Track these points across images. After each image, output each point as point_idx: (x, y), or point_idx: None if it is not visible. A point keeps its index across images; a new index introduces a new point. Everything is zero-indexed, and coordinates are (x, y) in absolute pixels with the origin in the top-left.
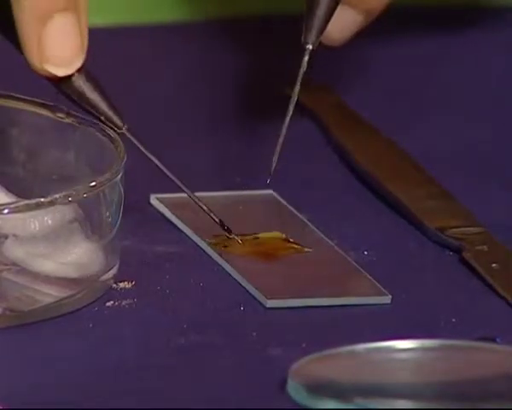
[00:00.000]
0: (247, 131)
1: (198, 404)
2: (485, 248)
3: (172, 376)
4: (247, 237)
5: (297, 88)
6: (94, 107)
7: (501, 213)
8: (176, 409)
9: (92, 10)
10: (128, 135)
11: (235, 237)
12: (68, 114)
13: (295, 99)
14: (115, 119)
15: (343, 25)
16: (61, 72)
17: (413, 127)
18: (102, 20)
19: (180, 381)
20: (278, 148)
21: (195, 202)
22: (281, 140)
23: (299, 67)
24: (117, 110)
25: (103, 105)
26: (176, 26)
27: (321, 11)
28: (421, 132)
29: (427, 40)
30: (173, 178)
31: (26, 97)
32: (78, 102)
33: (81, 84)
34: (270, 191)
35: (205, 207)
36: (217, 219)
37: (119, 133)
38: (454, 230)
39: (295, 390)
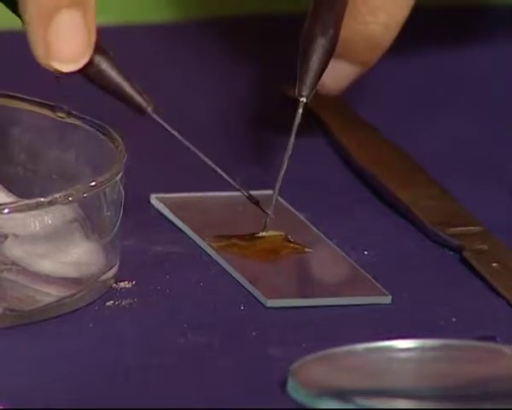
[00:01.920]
0: (247, 132)
1: (198, 404)
2: (485, 247)
3: (172, 375)
4: (248, 239)
5: (292, 140)
6: (119, 89)
7: (501, 213)
8: (176, 409)
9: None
10: (154, 116)
11: (266, 211)
12: (69, 114)
13: (290, 153)
14: (140, 101)
15: (339, 76)
16: (67, 68)
17: (413, 127)
18: (99, 19)
19: (180, 381)
20: (277, 186)
21: (222, 175)
22: (280, 178)
23: (294, 119)
24: (141, 92)
25: (127, 87)
26: (173, 25)
27: (314, 65)
28: (422, 133)
29: (428, 41)
30: (202, 156)
31: (26, 97)
32: (102, 85)
33: (105, 67)
34: (269, 192)
35: (232, 181)
36: (246, 194)
37: (144, 115)
38: (454, 229)
39: (295, 390)
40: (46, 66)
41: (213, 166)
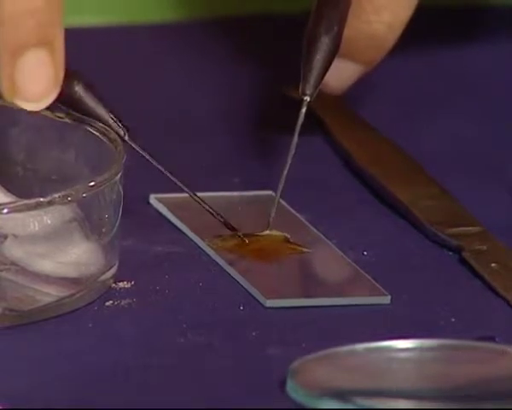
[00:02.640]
0: (246, 132)
1: (197, 404)
2: (484, 247)
3: (172, 375)
4: (250, 238)
5: (295, 139)
6: (95, 116)
7: (500, 213)
8: (175, 409)
9: (92, 10)
10: (130, 143)
11: (241, 236)
12: (68, 114)
13: (293, 152)
14: (116, 128)
15: (343, 76)
16: (30, 106)
17: (413, 127)
18: (102, 19)
19: (179, 381)
20: (278, 193)
21: (199, 203)
22: (283, 177)
23: (297, 118)
24: (118, 118)
25: (104, 114)
26: (175, 25)
27: (318, 64)
28: (421, 132)
29: (428, 40)
30: (175, 180)
31: None
32: (79, 112)
33: (81, 94)
34: (269, 192)
35: (209, 209)
36: (222, 220)
37: (122, 140)
38: (453, 229)
39: (294, 390)
40: (10, 102)
41: (189, 192)
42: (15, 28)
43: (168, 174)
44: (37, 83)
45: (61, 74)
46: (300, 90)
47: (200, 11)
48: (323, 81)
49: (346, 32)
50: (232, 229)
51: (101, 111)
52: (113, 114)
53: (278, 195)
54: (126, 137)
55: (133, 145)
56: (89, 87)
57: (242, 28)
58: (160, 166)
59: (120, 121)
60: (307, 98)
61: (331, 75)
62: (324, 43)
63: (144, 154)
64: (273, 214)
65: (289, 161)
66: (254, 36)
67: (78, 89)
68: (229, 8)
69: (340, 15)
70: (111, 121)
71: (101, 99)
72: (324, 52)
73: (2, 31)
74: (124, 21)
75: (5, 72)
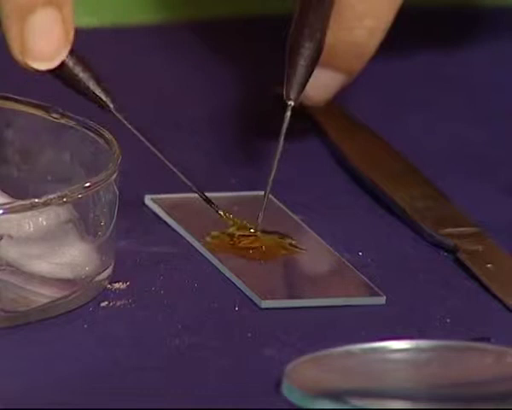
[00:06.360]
0: (242, 133)
1: (192, 404)
2: (479, 248)
3: (167, 376)
4: (243, 239)
5: (281, 143)
6: (84, 87)
7: (496, 214)
8: (170, 409)
9: (87, 11)
10: (116, 114)
11: (226, 215)
12: (63, 115)
13: (279, 157)
14: (104, 97)
15: (324, 86)
16: (42, 66)
17: (409, 128)
18: (97, 20)
19: (174, 382)
20: (268, 188)
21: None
22: (270, 180)
23: (282, 122)
24: (107, 90)
25: (93, 85)
26: (172, 26)
27: (301, 70)
28: (417, 133)
29: (425, 41)
30: (162, 157)
31: (20, 98)
32: (68, 83)
33: (72, 65)
34: (263, 193)
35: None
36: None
37: (108, 112)
38: (449, 230)
39: (290, 391)
40: (22, 64)
41: (174, 169)
42: None
43: (157, 153)
44: (47, 41)
45: (71, 32)
46: (285, 94)
47: (194, 12)
48: (304, 92)
49: (326, 40)
50: (214, 206)
51: (90, 82)
52: (102, 86)
53: (266, 199)
54: (112, 108)
55: (120, 118)
56: (80, 58)
57: (237, 29)
58: (148, 143)
59: (109, 94)
60: (291, 103)
61: (311, 85)
62: (307, 48)
63: (132, 128)
64: (261, 217)
65: (275, 167)
66: (249, 37)
67: (69, 59)
68: (221, 10)
69: (323, 21)
70: (98, 91)
71: (91, 71)
72: (308, 57)
73: None
74: (118, 22)
75: (15, 33)
